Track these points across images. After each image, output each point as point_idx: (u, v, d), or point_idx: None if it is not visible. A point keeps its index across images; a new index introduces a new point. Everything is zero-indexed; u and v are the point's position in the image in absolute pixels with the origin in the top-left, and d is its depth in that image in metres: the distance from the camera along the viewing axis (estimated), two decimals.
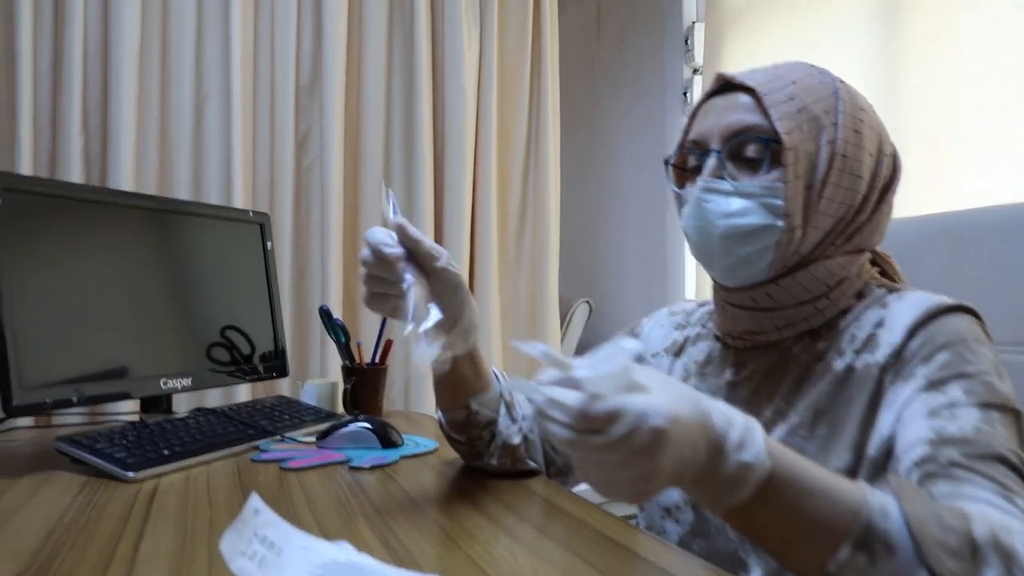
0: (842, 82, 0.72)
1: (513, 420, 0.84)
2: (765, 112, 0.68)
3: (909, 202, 1.41)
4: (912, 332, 0.65)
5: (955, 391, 0.60)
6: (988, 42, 1.29)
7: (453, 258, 0.74)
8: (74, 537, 0.63)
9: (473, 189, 1.84)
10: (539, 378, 0.46)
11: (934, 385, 0.61)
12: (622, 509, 0.78)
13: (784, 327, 0.73)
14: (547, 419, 0.44)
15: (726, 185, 0.70)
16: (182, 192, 1.57)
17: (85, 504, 0.73)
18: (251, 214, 1.23)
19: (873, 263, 0.78)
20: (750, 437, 0.48)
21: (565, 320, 2.33)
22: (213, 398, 1.50)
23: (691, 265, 2.10)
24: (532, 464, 0.86)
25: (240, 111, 1.58)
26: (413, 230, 0.71)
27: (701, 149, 0.73)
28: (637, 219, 2.33)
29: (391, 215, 0.71)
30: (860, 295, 0.73)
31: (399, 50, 1.78)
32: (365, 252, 0.70)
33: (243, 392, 1.53)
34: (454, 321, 0.74)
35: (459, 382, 0.80)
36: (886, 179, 0.73)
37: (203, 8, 1.59)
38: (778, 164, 0.68)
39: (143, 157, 1.54)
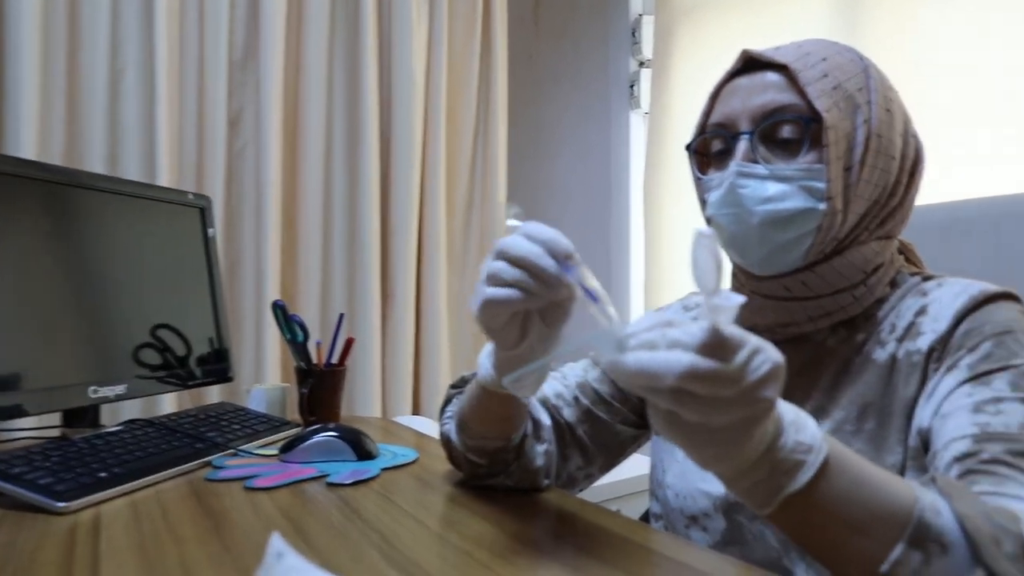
0: (869, 60, 0.69)
1: (539, 440, 0.75)
2: (800, 90, 0.64)
3: None
4: (959, 320, 0.62)
5: (1000, 384, 0.57)
6: (946, 43, 1.30)
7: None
8: None
9: (421, 178, 1.72)
10: (632, 325, 0.42)
11: (978, 377, 0.58)
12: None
13: (819, 317, 0.68)
14: (648, 359, 0.39)
15: (761, 169, 0.65)
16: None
17: (9, 547, 0.58)
18: (191, 196, 1.08)
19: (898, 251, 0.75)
20: (803, 419, 0.46)
21: None
22: (139, 408, 1.32)
23: (638, 261, 2.06)
24: (546, 482, 0.77)
25: (165, 85, 1.41)
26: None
27: (730, 132, 0.68)
28: (579, 214, 2.28)
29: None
30: (893, 283, 0.70)
31: (343, 26, 1.65)
32: (534, 250, 0.53)
33: (172, 401, 1.36)
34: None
35: (512, 416, 0.69)
36: (913, 161, 0.70)
37: None
38: (817, 145, 0.64)
39: (47, 129, 1.34)
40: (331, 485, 0.78)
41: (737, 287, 0.73)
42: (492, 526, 0.65)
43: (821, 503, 0.45)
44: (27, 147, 1.28)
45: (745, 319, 0.72)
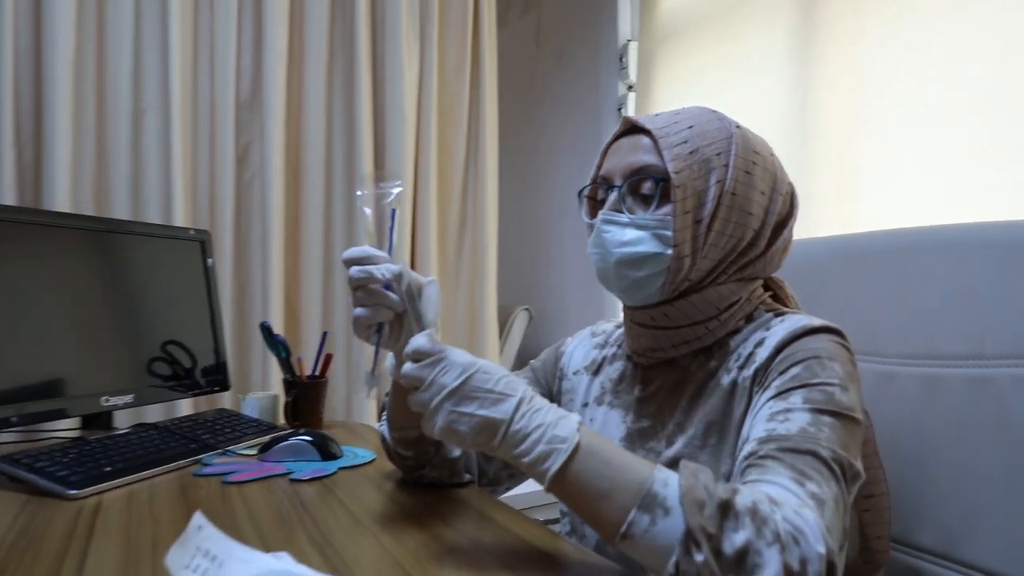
0: (739, 127, 0.79)
1: None
2: (660, 153, 0.76)
3: (821, 222, 1.53)
4: (778, 350, 0.73)
5: (795, 399, 0.67)
6: (887, 80, 1.41)
7: None
8: (19, 556, 0.65)
9: (414, 203, 1.89)
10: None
11: (781, 394, 0.69)
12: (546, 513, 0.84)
13: (679, 345, 0.80)
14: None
15: (623, 217, 0.77)
16: (120, 205, 1.57)
17: (28, 523, 0.75)
18: (192, 232, 1.26)
19: (767, 287, 0.86)
20: (563, 421, 0.62)
21: (505, 327, 2.40)
22: (153, 413, 1.51)
23: None
24: (467, 476, 0.92)
25: (179, 125, 1.59)
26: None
27: (608, 184, 0.80)
28: (575, 231, 2.41)
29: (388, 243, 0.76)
30: (750, 318, 0.81)
31: (340, 67, 1.82)
32: (355, 271, 0.73)
33: (184, 407, 1.54)
34: None
35: None
36: (781, 215, 0.80)
37: (141, 19, 1.60)
38: (667, 200, 0.75)
39: (79, 170, 1.54)
40: (293, 481, 0.94)
41: (623, 316, 0.87)
42: (412, 522, 0.78)
43: (574, 478, 0.60)
44: (62, 183, 1.47)
45: (628, 345, 0.86)
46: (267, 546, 0.67)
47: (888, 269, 0.98)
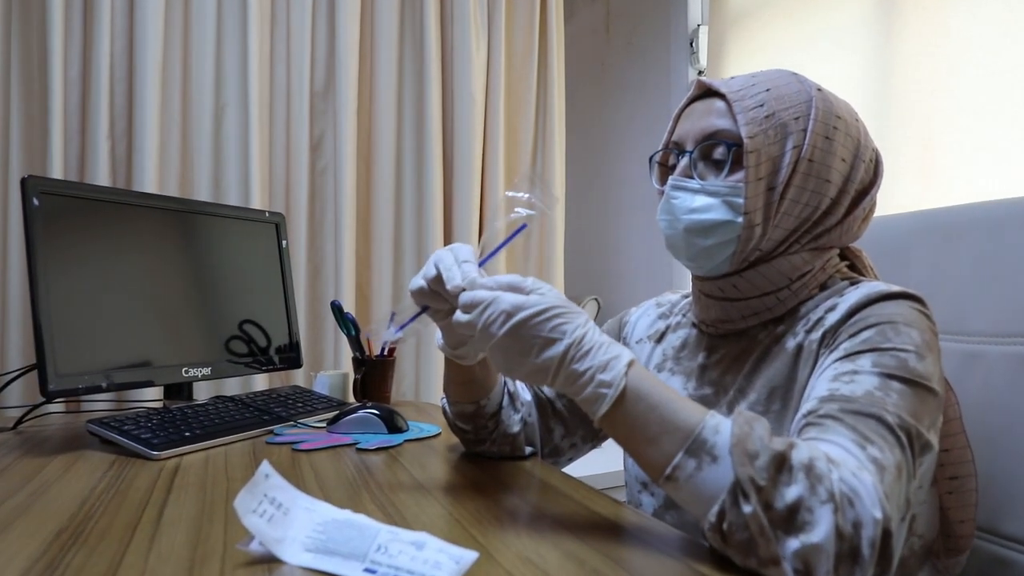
0: (820, 90, 0.75)
1: (515, 410, 0.89)
2: (734, 117, 0.73)
3: (904, 199, 1.45)
4: (851, 313, 0.70)
5: (864, 361, 0.64)
6: (977, 46, 1.33)
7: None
8: (106, 504, 0.70)
9: (481, 190, 1.90)
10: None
11: (849, 356, 0.66)
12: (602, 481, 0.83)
13: (749, 316, 0.78)
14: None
15: (693, 183, 0.75)
16: (203, 194, 1.64)
17: (115, 478, 0.80)
18: (267, 214, 1.30)
19: (844, 257, 0.83)
20: (613, 363, 0.60)
21: None
22: (231, 387, 1.58)
23: None
24: (529, 449, 0.92)
25: (257, 117, 1.65)
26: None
27: (679, 149, 0.78)
28: (644, 219, 2.38)
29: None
30: (824, 286, 0.77)
31: (410, 56, 1.85)
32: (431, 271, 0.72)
33: (259, 382, 1.60)
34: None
35: (472, 381, 0.84)
36: (864, 183, 0.77)
37: (222, 19, 1.67)
38: (741, 166, 0.72)
39: (166, 160, 1.62)
40: (359, 450, 0.96)
41: (692, 286, 0.85)
42: (474, 488, 0.79)
43: (622, 421, 0.60)
44: (150, 173, 1.56)
45: (696, 314, 0.85)
46: (335, 503, 0.69)
47: (973, 243, 0.93)
